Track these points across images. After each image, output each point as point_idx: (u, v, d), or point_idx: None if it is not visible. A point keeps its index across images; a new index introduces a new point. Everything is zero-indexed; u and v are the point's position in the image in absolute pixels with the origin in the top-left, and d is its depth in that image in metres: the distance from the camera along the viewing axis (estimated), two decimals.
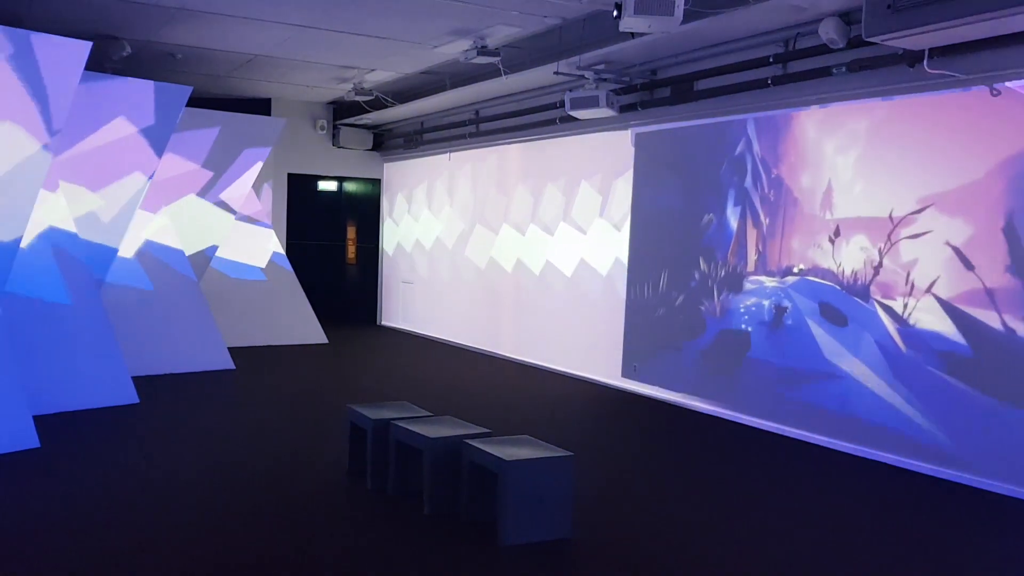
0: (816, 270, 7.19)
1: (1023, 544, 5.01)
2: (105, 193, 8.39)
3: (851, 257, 6.91)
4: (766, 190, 7.64)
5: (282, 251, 12.18)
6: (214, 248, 10.75)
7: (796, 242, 7.37)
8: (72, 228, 7.70)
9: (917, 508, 5.56)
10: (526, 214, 10.95)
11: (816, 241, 7.19)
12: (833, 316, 7.05)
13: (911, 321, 6.45)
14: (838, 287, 7.02)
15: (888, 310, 6.61)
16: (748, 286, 7.82)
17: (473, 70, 9.92)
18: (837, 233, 7.02)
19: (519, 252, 11.07)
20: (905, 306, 6.49)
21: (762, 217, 7.68)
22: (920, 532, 5.09)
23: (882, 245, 6.68)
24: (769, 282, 7.60)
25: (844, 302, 6.96)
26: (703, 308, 8.26)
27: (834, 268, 7.04)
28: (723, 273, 8.07)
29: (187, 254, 9.90)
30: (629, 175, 9.18)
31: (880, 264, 6.70)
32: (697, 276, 8.34)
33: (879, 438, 6.61)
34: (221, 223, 10.76)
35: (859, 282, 6.86)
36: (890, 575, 4.44)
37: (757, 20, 6.89)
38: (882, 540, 4.88)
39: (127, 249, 9.05)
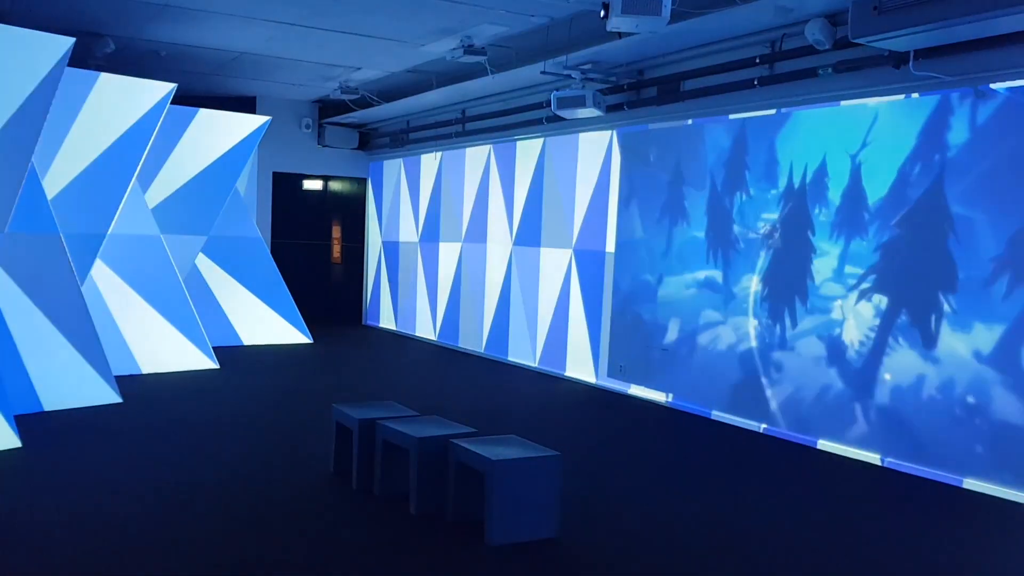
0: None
1: None
2: None
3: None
4: (751, 191, 7.66)
5: (267, 249, 12.12)
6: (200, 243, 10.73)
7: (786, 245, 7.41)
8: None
9: (914, 507, 5.60)
10: (511, 213, 10.94)
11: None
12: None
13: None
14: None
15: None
16: (740, 287, 7.84)
17: (460, 69, 9.91)
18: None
19: (505, 251, 11.06)
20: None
21: (746, 217, 7.71)
22: (917, 532, 5.12)
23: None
24: (758, 283, 7.63)
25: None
26: (691, 307, 8.27)
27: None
28: (712, 273, 8.08)
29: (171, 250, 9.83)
30: (615, 175, 9.19)
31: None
32: (684, 275, 8.35)
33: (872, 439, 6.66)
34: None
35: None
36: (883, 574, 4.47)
37: (744, 21, 6.91)
38: (876, 541, 4.90)
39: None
